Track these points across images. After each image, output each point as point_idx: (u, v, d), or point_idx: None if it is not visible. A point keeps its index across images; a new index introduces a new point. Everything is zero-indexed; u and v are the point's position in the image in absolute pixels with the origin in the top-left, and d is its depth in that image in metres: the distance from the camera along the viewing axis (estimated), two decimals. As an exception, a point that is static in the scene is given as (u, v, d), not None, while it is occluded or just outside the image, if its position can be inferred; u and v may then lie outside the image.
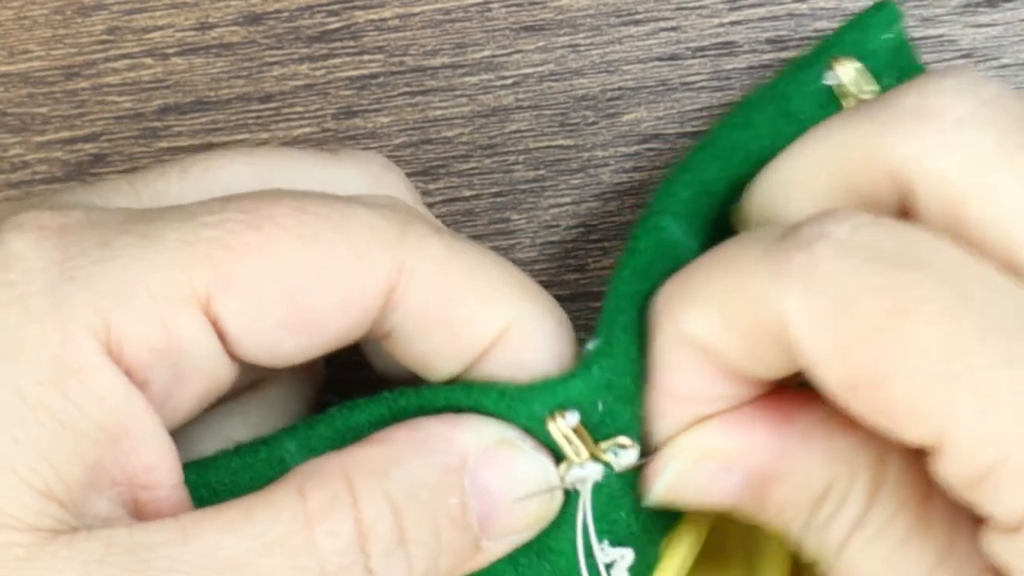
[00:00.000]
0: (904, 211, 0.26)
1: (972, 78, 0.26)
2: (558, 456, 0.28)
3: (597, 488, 0.28)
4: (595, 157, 0.35)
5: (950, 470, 0.24)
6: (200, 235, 0.26)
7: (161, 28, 0.36)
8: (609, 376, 0.28)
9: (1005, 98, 0.26)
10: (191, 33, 0.36)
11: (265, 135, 0.36)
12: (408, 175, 0.35)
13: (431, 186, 0.35)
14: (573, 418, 0.28)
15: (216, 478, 0.28)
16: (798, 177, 0.28)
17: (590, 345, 0.28)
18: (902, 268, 0.24)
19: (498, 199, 0.35)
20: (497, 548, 0.28)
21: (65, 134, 0.36)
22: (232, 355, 0.27)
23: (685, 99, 0.35)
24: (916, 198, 0.26)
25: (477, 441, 0.27)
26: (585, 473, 0.28)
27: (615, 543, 0.28)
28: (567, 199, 0.35)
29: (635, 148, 0.35)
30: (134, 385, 0.26)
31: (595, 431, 0.28)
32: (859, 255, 0.24)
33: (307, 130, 0.35)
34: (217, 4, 0.36)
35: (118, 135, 0.36)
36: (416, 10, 0.35)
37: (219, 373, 0.27)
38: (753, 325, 0.25)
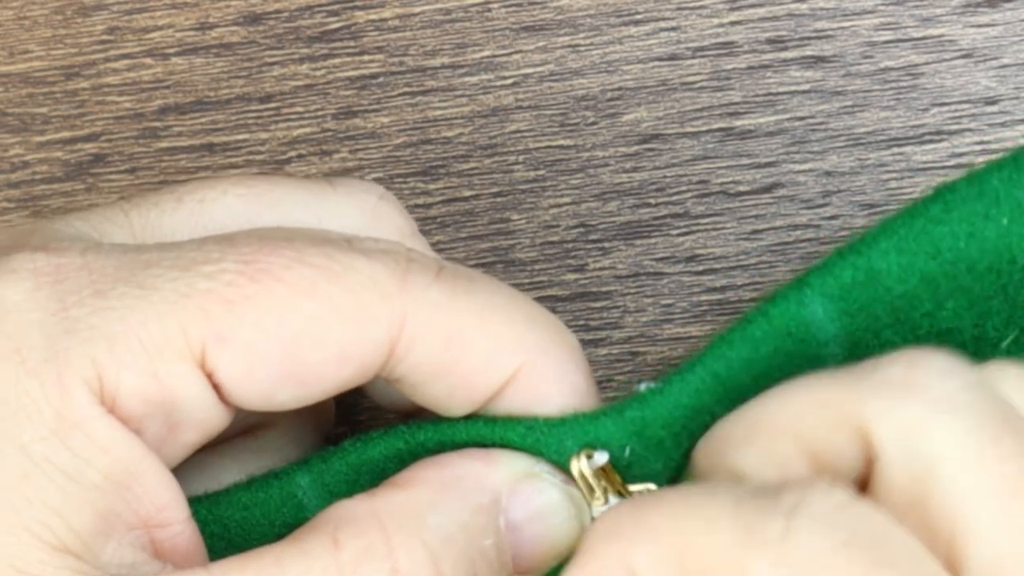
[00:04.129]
0: (861, 481, 0.25)
1: (957, 360, 0.25)
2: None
3: None
4: (595, 157, 0.35)
5: None
6: (197, 287, 0.26)
7: (161, 28, 0.36)
8: (641, 424, 0.27)
9: (987, 386, 0.25)
10: (191, 33, 0.36)
11: (265, 135, 0.36)
12: (408, 175, 0.35)
13: (431, 186, 0.35)
14: (602, 458, 0.27)
15: (227, 514, 0.28)
16: (764, 427, 0.26)
17: (641, 387, 0.28)
18: (876, 564, 0.23)
19: (498, 199, 0.35)
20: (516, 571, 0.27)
21: (65, 134, 0.36)
22: (226, 403, 0.27)
23: (685, 99, 0.35)
24: (881, 469, 0.25)
25: (509, 478, 0.27)
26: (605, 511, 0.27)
27: None
28: (567, 199, 0.35)
29: (635, 148, 0.35)
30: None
31: (623, 474, 0.27)
32: (838, 536, 0.23)
33: (307, 130, 0.35)
34: (217, 4, 0.36)
35: (118, 135, 0.36)
36: (416, 10, 0.35)
37: (212, 422, 0.27)
38: None
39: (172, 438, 0.27)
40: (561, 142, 0.35)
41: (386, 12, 0.35)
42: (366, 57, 0.35)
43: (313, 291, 0.26)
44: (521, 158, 0.35)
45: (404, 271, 0.27)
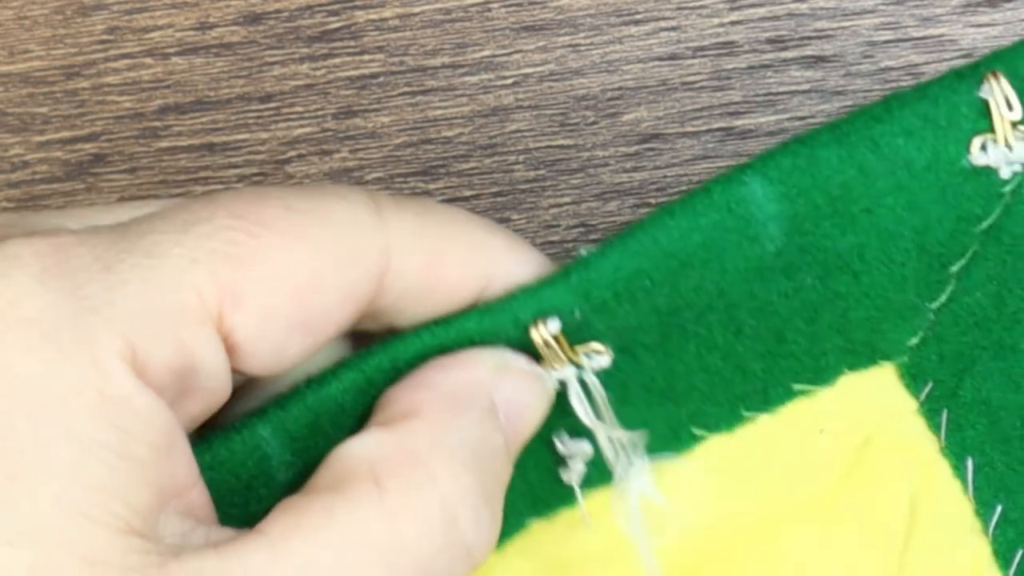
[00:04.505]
0: None
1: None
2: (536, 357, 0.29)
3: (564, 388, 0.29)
4: (595, 157, 0.35)
5: None
6: (202, 248, 0.26)
7: (161, 28, 0.36)
8: (587, 285, 0.28)
9: None
10: (191, 33, 0.36)
11: (265, 135, 0.36)
12: (408, 175, 0.35)
13: (431, 186, 0.35)
14: (554, 325, 0.28)
15: None
16: None
17: (583, 251, 0.29)
18: None
19: (498, 199, 0.35)
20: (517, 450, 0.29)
21: (65, 134, 0.36)
22: (236, 369, 0.27)
23: (685, 99, 0.35)
24: None
25: (492, 376, 0.28)
26: (563, 375, 0.29)
27: (574, 436, 0.30)
28: (567, 199, 0.35)
29: (635, 148, 0.35)
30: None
31: (571, 337, 0.29)
32: None
33: (307, 130, 0.35)
34: (217, 4, 0.36)
35: (118, 135, 0.36)
36: (416, 10, 0.35)
37: (219, 393, 0.27)
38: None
39: (179, 409, 0.27)
40: (561, 142, 0.35)
41: (386, 12, 0.35)
42: (366, 57, 0.35)
43: (307, 238, 0.27)
44: (521, 158, 0.35)
45: (376, 203, 0.28)
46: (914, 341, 0.30)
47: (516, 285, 0.29)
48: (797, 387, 0.31)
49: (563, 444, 0.30)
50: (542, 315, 0.28)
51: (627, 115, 0.35)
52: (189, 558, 0.25)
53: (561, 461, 0.30)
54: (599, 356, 0.29)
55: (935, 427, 0.31)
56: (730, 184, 0.29)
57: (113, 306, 0.25)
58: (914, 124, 0.29)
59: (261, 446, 0.28)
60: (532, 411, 0.29)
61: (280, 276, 0.27)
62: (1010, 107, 0.28)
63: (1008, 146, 0.28)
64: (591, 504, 0.30)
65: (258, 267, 0.26)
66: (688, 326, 0.29)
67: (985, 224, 0.29)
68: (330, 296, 0.27)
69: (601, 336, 0.29)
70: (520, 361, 0.29)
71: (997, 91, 0.28)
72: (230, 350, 0.27)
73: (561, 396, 0.29)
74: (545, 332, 0.28)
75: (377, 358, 0.28)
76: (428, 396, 0.28)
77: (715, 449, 0.31)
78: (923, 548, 0.30)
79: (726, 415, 0.31)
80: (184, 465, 0.26)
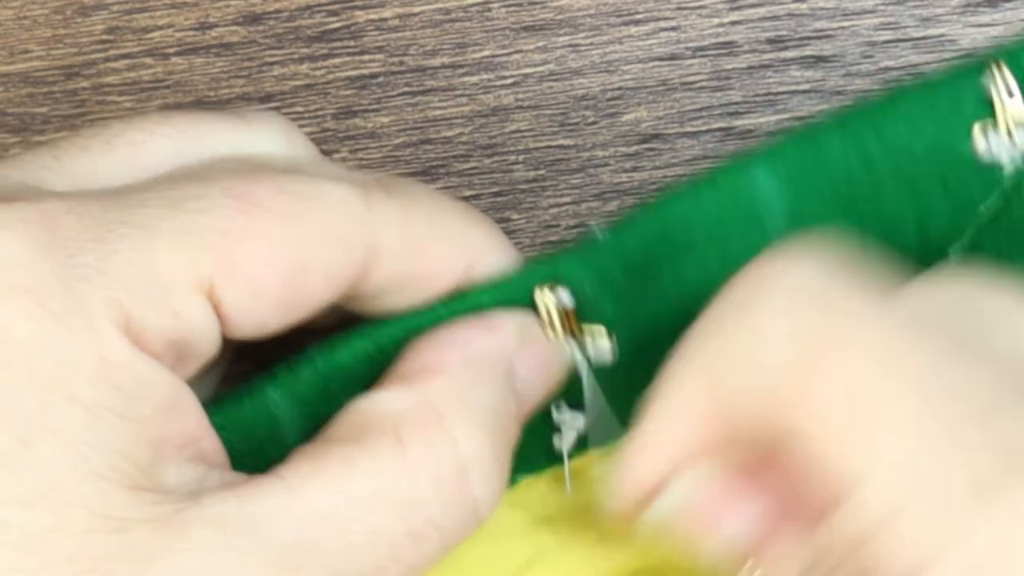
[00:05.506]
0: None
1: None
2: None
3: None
4: (595, 157, 0.35)
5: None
6: (195, 223, 0.26)
7: (161, 28, 0.36)
8: (598, 262, 0.29)
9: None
10: (191, 33, 0.36)
11: (265, 135, 0.36)
12: (408, 175, 0.35)
13: (431, 186, 0.35)
14: (564, 294, 0.29)
15: None
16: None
17: (595, 230, 0.30)
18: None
19: (498, 199, 0.35)
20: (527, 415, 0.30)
21: (65, 134, 0.36)
22: (224, 334, 0.28)
23: (685, 99, 0.35)
24: None
25: (515, 340, 0.29)
26: (574, 350, 0.30)
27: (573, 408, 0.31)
28: (567, 199, 0.35)
29: (635, 148, 0.35)
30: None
31: (579, 313, 0.30)
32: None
33: (307, 130, 0.35)
34: (217, 4, 0.36)
35: (118, 135, 0.36)
36: (416, 10, 0.35)
37: (210, 354, 0.28)
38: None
39: (179, 371, 0.27)
40: (561, 142, 0.35)
41: (386, 12, 0.35)
42: (366, 57, 0.36)
43: (299, 219, 0.27)
44: (521, 158, 0.35)
45: (366, 192, 0.28)
46: None
47: (494, 275, 0.29)
48: None
49: (560, 413, 0.30)
50: (553, 282, 0.29)
51: (627, 115, 0.35)
52: (207, 501, 0.25)
53: (556, 428, 0.31)
54: (602, 341, 0.30)
55: None
56: (735, 171, 0.29)
57: (105, 275, 0.25)
58: (917, 113, 0.29)
59: (271, 408, 0.29)
60: (546, 379, 0.29)
61: (272, 254, 0.27)
62: (1011, 94, 0.28)
63: (1009, 134, 0.29)
64: (575, 465, 0.31)
65: (251, 244, 0.27)
66: (692, 311, 0.29)
67: (984, 211, 0.29)
68: (316, 277, 0.27)
69: (610, 325, 0.30)
70: (540, 330, 0.29)
71: (999, 80, 0.29)
72: (220, 320, 0.27)
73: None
74: (551, 299, 0.29)
75: (391, 328, 0.29)
76: (453, 355, 0.28)
77: None
78: None
79: None
80: (192, 418, 0.27)
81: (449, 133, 0.35)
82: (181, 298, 0.26)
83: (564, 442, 0.31)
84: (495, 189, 0.35)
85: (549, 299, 0.29)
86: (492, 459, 0.27)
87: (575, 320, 0.29)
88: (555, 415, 0.31)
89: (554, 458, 0.31)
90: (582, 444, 0.31)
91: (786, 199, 0.29)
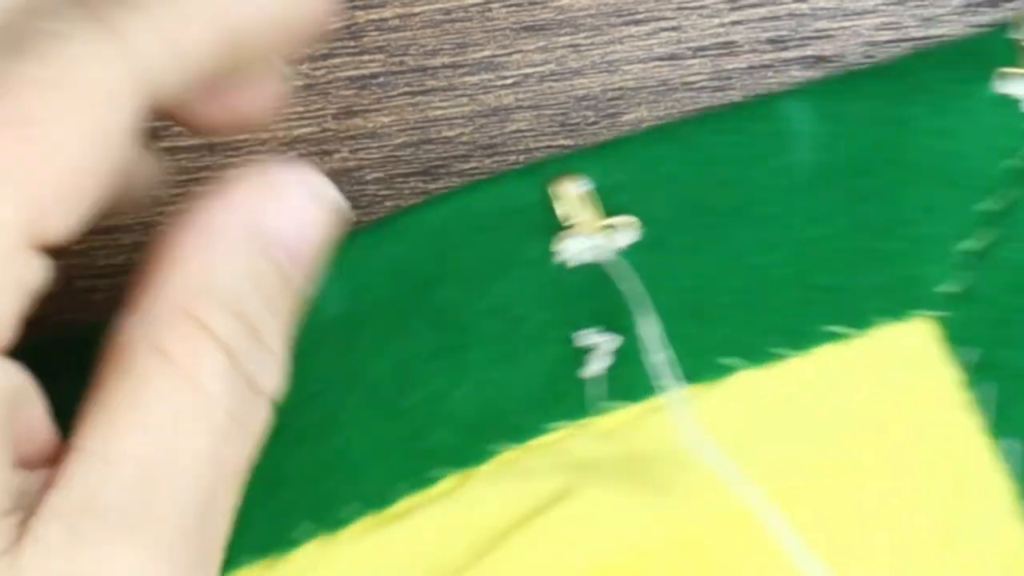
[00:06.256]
0: None
1: None
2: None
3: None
4: (595, 157, 0.35)
5: None
6: None
7: (161, 28, 0.36)
8: (614, 157, 0.30)
9: None
10: (191, 33, 0.36)
11: (265, 135, 0.36)
12: (408, 175, 0.35)
13: (431, 186, 0.35)
14: (585, 183, 0.30)
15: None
16: None
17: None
18: None
19: (498, 199, 0.35)
20: (303, 276, 0.27)
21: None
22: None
23: (685, 99, 0.35)
24: None
25: (252, 198, 0.26)
26: (596, 243, 0.30)
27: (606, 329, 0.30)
28: (567, 199, 0.35)
29: (635, 148, 0.35)
30: None
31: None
32: None
33: (307, 130, 0.35)
34: (217, 4, 0.36)
35: (118, 135, 0.36)
36: (416, 10, 0.35)
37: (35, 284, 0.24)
38: None
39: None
40: (561, 142, 0.35)
41: (386, 12, 0.35)
42: (366, 57, 0.36)
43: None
44: (521, 158, 0.35)
45: (110, 29, 0.25)
46: (951, 289, 0.30)
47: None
48: (829, 328, 0.30)
49: (585, 338, 0.30)
50: (572, 175, 0.30)
51: (627, 115, 0.35)
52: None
53: (582, 362, 0.30)
54: (629, 229, 0.30)
55: (980, 403, 0.30)
56: (766, 98, 0.31)
57: None
58: (948, 58, 0.31)
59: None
60: (309, 228, 0.26)
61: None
62: None
63: None
64: (611, 420, 0.30)
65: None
66: (718, 230, 0.30)
67: (1013, 162, 0.30)
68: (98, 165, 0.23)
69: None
70: (287, 176, 0.27)
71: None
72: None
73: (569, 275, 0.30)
74: (573, 188, 0.30)
75: (402, 220, 0.30)
76: (180, 240, 0.25)
77: (746, 383, 0.30)
78: (958, 530, 0.30)
79: (756, 348, 0.30)
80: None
81: (450, 133, 0.35)
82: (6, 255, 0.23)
83: (595, 367, 0.30)
84: (495, 189, 0.35)
85: (570, 187, 0.30)
86: (254, 335, 0.25)
87: (598, 211, 0.30)
88: (579, 342, 0.30)
89: (587, 408, 0.30)
90: (616, 393, 0.30)
91: (814, 128, 0.30)
